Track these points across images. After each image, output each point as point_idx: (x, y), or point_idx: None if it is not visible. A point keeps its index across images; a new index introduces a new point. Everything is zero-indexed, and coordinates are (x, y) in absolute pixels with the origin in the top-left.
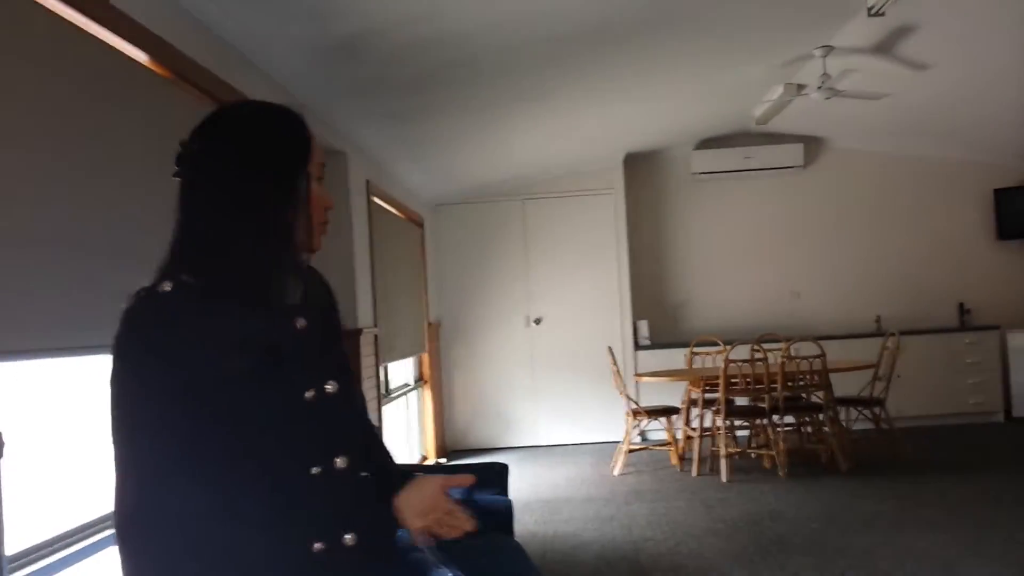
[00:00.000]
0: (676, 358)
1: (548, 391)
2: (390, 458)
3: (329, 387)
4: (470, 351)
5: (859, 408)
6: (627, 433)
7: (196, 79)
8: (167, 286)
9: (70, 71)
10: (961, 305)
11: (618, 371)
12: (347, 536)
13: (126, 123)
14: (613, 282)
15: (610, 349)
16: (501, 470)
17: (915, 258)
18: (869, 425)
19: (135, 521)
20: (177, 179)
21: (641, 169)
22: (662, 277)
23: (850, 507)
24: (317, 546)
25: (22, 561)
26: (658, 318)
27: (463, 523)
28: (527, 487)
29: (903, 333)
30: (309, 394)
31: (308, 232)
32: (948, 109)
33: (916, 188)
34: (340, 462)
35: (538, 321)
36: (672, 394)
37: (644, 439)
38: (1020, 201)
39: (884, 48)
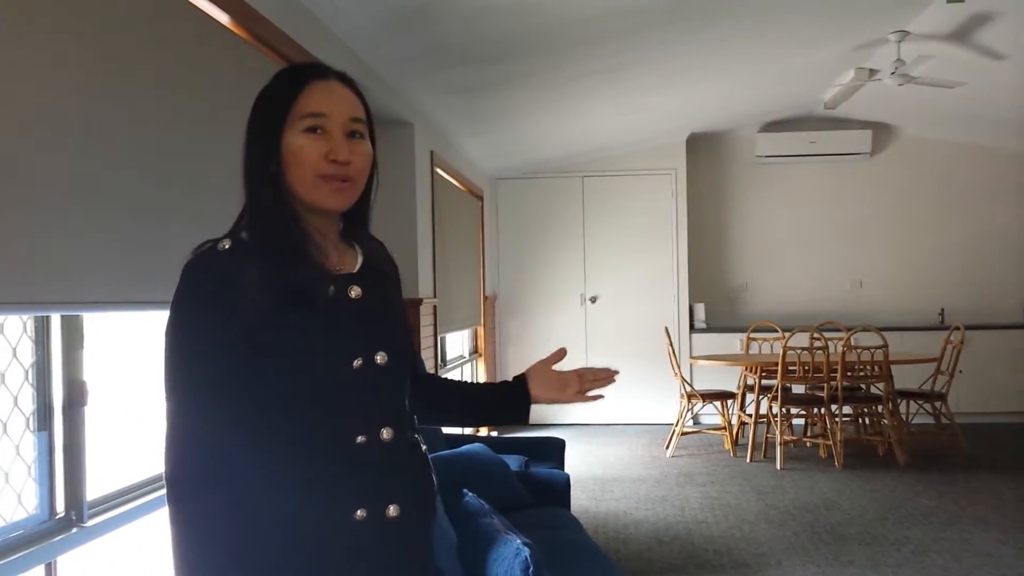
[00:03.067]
0: (731, 343)
1: None
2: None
3: (379, 358)
4: (525, 326)
5: (919, 402)
6: (681, 415)
7: (273, 42)
8: (226, 243)
9: (152, 31)
10: None
11: (674, 353)
12: (391, 507)
13: (206, 84)
14: (670, 263)
15: (667, 330)
16: (559, 445)
17: (981, 251)
18: (929, 420)
19: (186, 479)
20: None
21: (704, 150)
22: (721, 260)
23: (907, 501)
24: (359, 514)
25: (103, 507)
26: (715, 301)
27: (606, 374)
28: (579, 464)
29: (966, 328)
30: (357, 363)
31: (305, 186)
32: (1023, 100)
33: (985, 179)
34: (386, 433)
35: (594, 299)
36: (725, 378)
37: (696, 423)
38: None
39: (960, 36)
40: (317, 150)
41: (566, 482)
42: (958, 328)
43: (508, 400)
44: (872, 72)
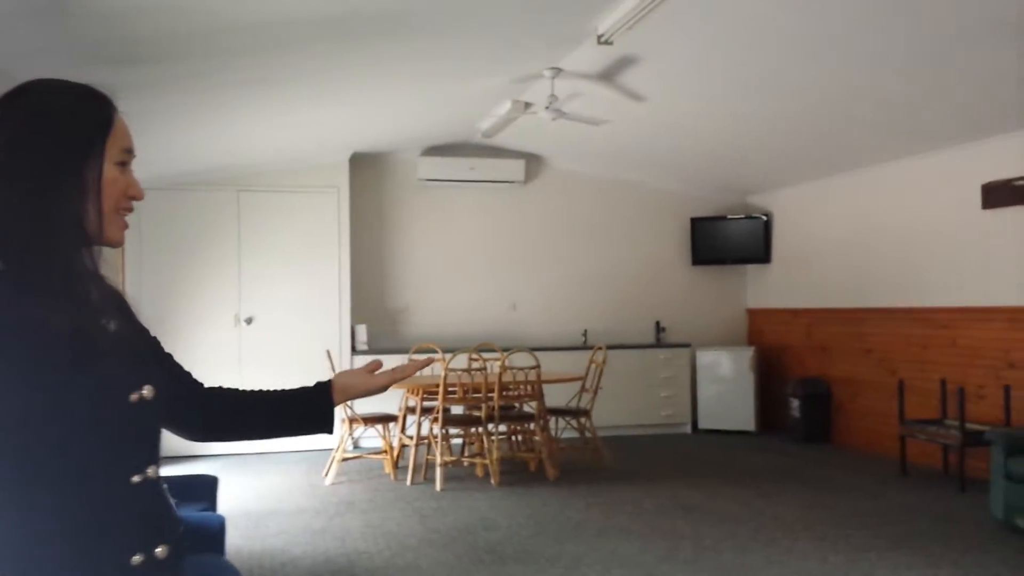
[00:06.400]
0: (394, 364)
1: None
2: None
3: (147, 391)
4: (171, 349)
5: (567, 418)
6: (341, 441)
7: None
8: None
9: None
10: (658, 323)
11: None
12: (159, 549)
13: None
14: (333, 284)
15: (328, 353)
16: (210, 483)
17: (620, 277)
18: (575, 434)
19: None
20: None
21: (368, 170)
22: (383, 282)
23: (559, 515)
24: (136, 559)
25: None
26: (377, 323)
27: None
28: (231, 499)
29: (607, 348)
30: (134, 397)
31: (98, 221)
32: (658, 140)
33: (624, 211)
34: (152, 471)
35: (249, 321)
36: (387, 401)
37: (357, 447)
38: (712, 230)
39: (608, 76)
40: (123, 185)
41: (220, 525)
42: (600, 348)
43: (309, 406)
44: (527, 105)
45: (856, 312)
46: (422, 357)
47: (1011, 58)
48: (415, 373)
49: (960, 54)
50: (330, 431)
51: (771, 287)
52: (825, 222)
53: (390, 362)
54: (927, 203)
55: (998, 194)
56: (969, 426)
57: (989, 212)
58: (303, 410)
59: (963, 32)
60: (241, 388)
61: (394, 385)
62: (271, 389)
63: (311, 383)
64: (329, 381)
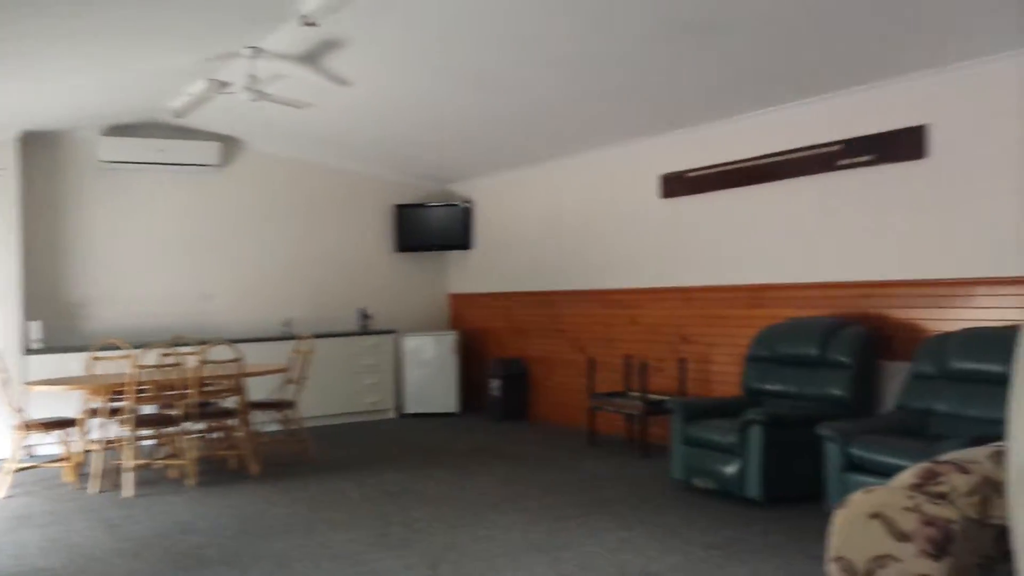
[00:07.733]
0: (74, 364)
1: None
2: None
3: None
4: None
5: (271, 411)
6: (14, 450)
7: None
8: None
9: None
10: (363, 311)
11: (5, 380)
12: None
13: None
14: (1, 277)
15: None
16: None
17: (323, 264)
18: (278, 427)
19: None
20: None
21: (40, 150)
22: (61, 273)
23: (264, 512)
24: None
25: None
26: (55, 319)
27: None
28: None
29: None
30: None
31: None
32: (363, 126)
33: (327, 197)
34: None
35: None
36: (69, 404)
37: (31, 456)
38: (415, 217)
39: (312, 58)
40: None
41: None
42: (306, 338)
43: None
44: (224, 84)
45: (550, 295)
46: (107, 354)
47: (690, 58)
48: None
49: (645, 55)
50: None
51: (472, 272)
52: (522, 210)
53: (71, 361)
54: (613, 192)
55: (674, 184)
56: (651, 397)
57: (666, 201)
58: None
59: (648, 34)
60: None
61: (74, 386)
62: None
63: None
64: None
